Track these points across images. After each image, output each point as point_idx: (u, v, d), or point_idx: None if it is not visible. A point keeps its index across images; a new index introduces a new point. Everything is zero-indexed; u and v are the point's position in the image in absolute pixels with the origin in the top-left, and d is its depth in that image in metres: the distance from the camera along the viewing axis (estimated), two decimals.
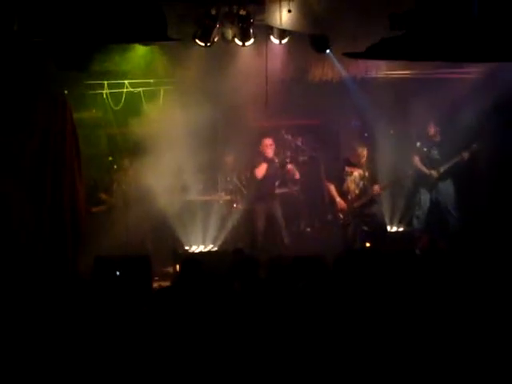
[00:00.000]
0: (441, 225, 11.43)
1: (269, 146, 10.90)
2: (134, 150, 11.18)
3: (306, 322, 5.75)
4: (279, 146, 12.02)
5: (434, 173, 11.41)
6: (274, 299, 6.22)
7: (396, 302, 6.12)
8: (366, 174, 10.84)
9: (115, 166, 10.95)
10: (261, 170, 10.91)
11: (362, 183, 10.87)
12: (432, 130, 11.42)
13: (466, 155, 11.14)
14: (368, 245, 10.53)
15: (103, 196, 11.05)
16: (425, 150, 11.38)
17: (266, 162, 10.89)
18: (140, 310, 6.33)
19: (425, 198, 11.54)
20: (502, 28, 7.87)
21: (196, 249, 10.53)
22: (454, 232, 11.18)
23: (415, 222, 11.56)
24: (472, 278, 6.71)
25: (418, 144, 11.33)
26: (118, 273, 8.50)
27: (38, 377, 5.23)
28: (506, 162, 11.00)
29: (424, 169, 11.49)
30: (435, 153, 11.45)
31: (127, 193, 10.95)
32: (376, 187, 10.76)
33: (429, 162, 11.49)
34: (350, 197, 10.87)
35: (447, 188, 11.50)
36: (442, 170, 11.36)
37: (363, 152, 10.83)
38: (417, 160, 11.52)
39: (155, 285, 9.00)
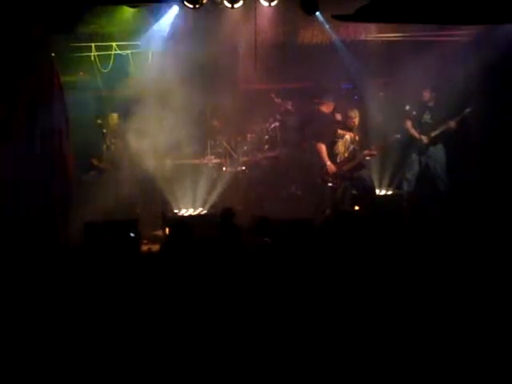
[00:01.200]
0: (430, 189, 11.45)
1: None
2: (124, 112, 11.14)
3: (295, 282, 5.84)
4: (269, 109, 12.09)
5: (424, 138, 11.40)
6: (263, 261, 6.32)
7: (382, 263, 6.18)
8: (357, 137, 10.84)
9: (104, 130, 10.90)
10: None
11: (352, 147, 10.87)
12: (427, 95, 11.38)
13: (455, 121, 11.13)
14: (357, 208, 10.57)
15: (93, 161, 11.01)
16: (414, 113, 11.35)
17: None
18: (128, 273, 6.36)
19: (415, 161, 11.53)
20: None
21: (185, 212, 10.53)
22: (443, 196, 11.21)
23: (405, 185, 11.58)
24: (460, 242, 6.77)
25: (408, 107, 11.29)
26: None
27: (32, 341, 5.28)
28: (496, 126, 10.99)
29: (415, 133, 11.47)
30: (427, 117, 11.42)
31: (117, 156, 10.94)
32: (369, 151, 10.77)
33: (420, 126, 11.47)
34: (339, 159, 10.87)
35: (438, 153, 11.48)
36: (432, 134, 11.35)
37: (355, 116, 10.79)
38: (409, 124, 11.49)
39: (144, 248, 9.06)
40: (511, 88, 10.59)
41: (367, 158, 10.91)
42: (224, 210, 8.41)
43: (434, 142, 11.41)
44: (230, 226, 7.66)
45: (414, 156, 11.52)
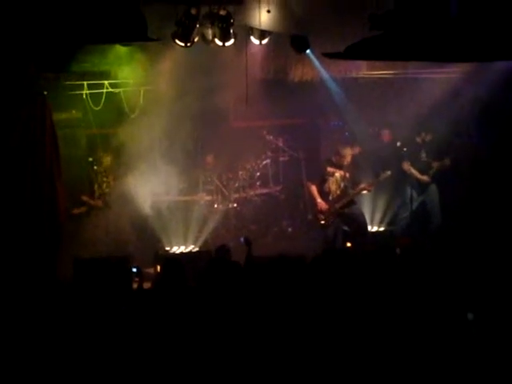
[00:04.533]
0: (424, 226, 11.43)
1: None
2: (115, 150, 11.15)
3: (286, 320, 5.82)
4: (260, 146, 12.12)
5: (426, 178, 11.37)
6: (254, 298, 6.32)
7: (374, 300, 6.18)
8: (347, 174, 10.83)
9: (96, 167, 10.88)
10: None
11: (343, 184, 10.85)
12: (428, 136, 11.36)
13: (448, 160, 11.20)
14: (349, 245, 10.53)
15: (84, 198, 10.98)
16: (405, 149, 11.24)
17: None
18: (120, 310, 6.32)
19: (414, 199, 11.37)
20: (481, 28, 7.92)
21: (177, 249, 10.49)
22: (436, 233, 11.18)
23: (400, 222, 11.53)
24: (452, 278, 6.75)
25: (399, 144, 11.25)
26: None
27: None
28: (486, 160, 11.04)
29: (417, 174, 11.37)
30: (423, 156, 11.41)
31: (108, 194, 10.91)
32: (363, 185, 10.75)
33: (417, 164, 11.41)
34: (331, 197, 10.85)
35: (433, 189, 11.50)
36: (431, 173, 11.36)
37: (348, 154, 10.80)
38: (406, 166, 11.39)
39: (135, 285, 8.98)
40: (502, 124, 10.67)
41: (363, 192, 10.88)
42: (219, 247, 8.39)
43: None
44: (226, 263, 7.62)
45: (410, 193, 11.31)
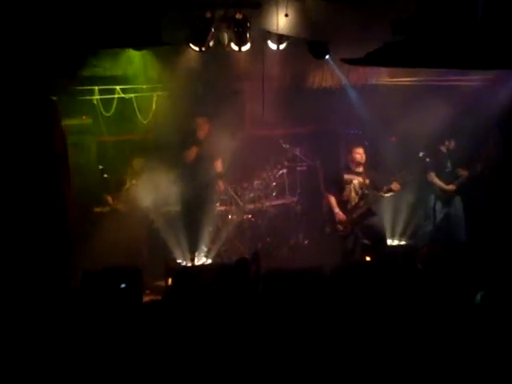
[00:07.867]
0: (448, 239, 11.07)
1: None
2: (128, 157, 11.00)
3: (303, 334, 5.73)
4: (277, 155, 11.97)
5: (452, 187, 11.11)
6: (271, 312, 6.16)
7: (393, 315, 6.05)
8: (367, 181, 10.52)
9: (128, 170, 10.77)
10: None
11: (361, 191, 10.53)
12: (447, 144, 11.14)
13: (479, 166, 10.94)
14: (368, 258, 10.23)
15: (109, 199, 10.81)
16: (428, 160, 10.88)
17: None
18: (130, 323, 6.16)
19: (438, 211, 11.18)
20: (506, 35, 7.70)
21: (189, 262, 10.27)
22: (460, 245, 10.90)
23: (422, 235, 11.19)
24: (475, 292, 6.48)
25: (421, 154, 10.93)
26: (123, 285, 8.31)
27: None
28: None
29: (442, 185, 11.14)
30: (449, 165, 11.20)
31: (133, 199, 10.69)
32: (387, 188, 10.38)
33: (444, 175, 11.18)
34: (349, 206, 10.54)
35: (457, 201, 11.25)
36: (458, 182, 11.10)
37: (360, 152, 10.49)
38: (432, 176, 11.16)
39: (146, 298, 8.77)
40: None
41: (390, 193, 10.49)
42: (240, 259, 8.13)
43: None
44: (246, 278, 7.39)
45: (434, 205, 11.14)
